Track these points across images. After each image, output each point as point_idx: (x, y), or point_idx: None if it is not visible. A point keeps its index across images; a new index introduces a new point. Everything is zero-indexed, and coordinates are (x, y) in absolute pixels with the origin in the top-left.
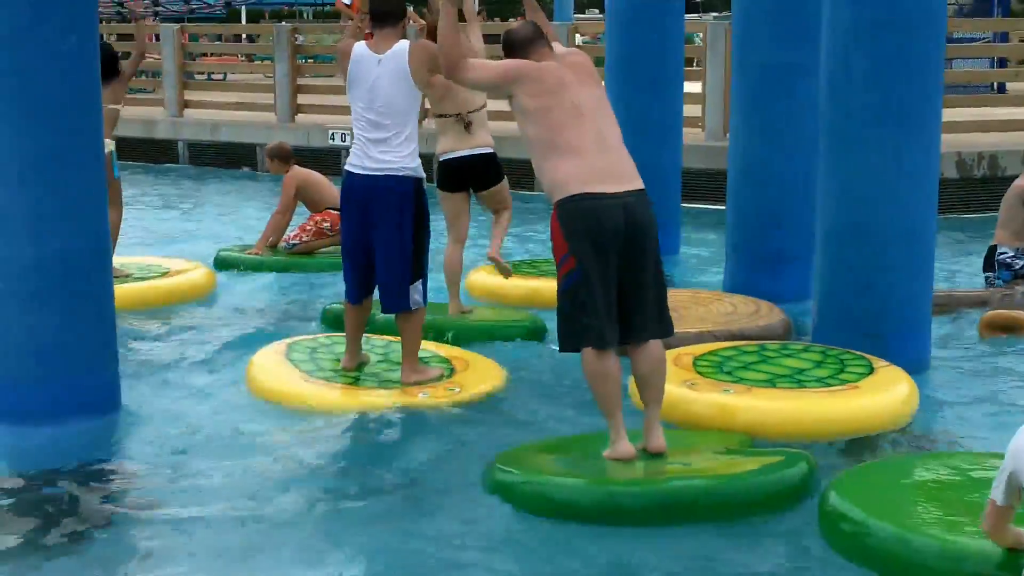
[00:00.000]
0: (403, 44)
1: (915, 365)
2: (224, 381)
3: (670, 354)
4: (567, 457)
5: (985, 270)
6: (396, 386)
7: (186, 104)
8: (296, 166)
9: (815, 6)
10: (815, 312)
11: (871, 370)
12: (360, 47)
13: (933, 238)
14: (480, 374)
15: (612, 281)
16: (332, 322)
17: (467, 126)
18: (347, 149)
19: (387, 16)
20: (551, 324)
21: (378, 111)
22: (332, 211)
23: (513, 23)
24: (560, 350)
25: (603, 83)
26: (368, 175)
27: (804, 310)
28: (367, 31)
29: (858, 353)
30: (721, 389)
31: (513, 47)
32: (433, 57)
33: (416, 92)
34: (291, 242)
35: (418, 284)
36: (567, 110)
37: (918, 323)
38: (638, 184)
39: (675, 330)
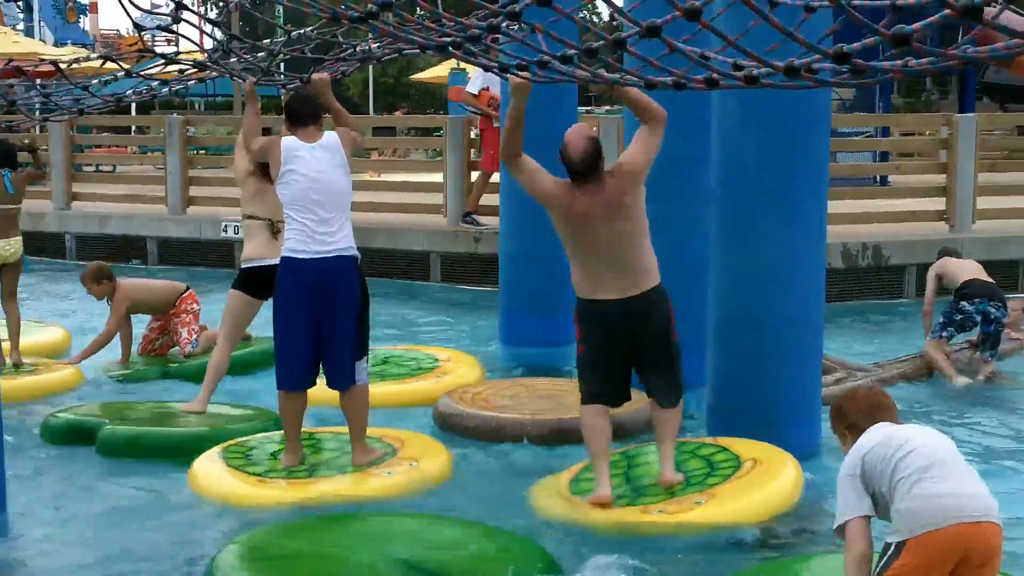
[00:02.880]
0: (331, 133)
1: (806, 450)
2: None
3: None
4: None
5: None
6: (354, 471)
7: (74, 196)
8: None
9: (706, 99)
10: (708, 399)
11: (735, 455)
12: (289, 139)
13: (821, 325)
14: (422, 448)
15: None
16: (51, 436)
17: (276, 234)
18: (240, 242)
19: (307, 117)
20: None
21: (324, 194)
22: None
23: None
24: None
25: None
26: (317, 258)
27: (699, 397)
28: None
29: (705, 441)
30: (692, 502)
31: None
32: (355, 142)
33: (350, 176)
34: (194, 343)
35: (364, 361)
36: None
37: (808, 409)
38: None
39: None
